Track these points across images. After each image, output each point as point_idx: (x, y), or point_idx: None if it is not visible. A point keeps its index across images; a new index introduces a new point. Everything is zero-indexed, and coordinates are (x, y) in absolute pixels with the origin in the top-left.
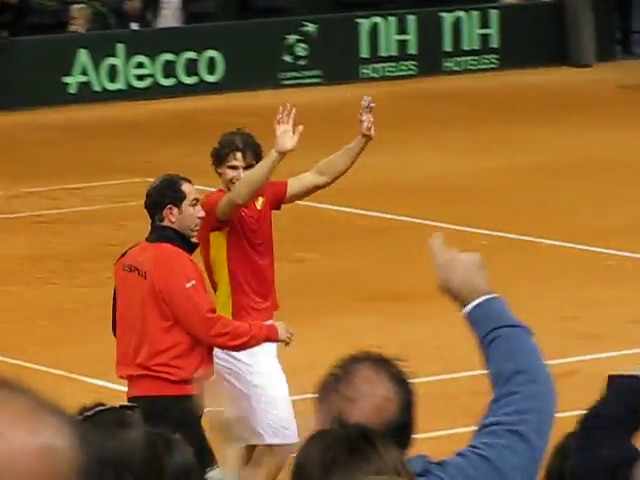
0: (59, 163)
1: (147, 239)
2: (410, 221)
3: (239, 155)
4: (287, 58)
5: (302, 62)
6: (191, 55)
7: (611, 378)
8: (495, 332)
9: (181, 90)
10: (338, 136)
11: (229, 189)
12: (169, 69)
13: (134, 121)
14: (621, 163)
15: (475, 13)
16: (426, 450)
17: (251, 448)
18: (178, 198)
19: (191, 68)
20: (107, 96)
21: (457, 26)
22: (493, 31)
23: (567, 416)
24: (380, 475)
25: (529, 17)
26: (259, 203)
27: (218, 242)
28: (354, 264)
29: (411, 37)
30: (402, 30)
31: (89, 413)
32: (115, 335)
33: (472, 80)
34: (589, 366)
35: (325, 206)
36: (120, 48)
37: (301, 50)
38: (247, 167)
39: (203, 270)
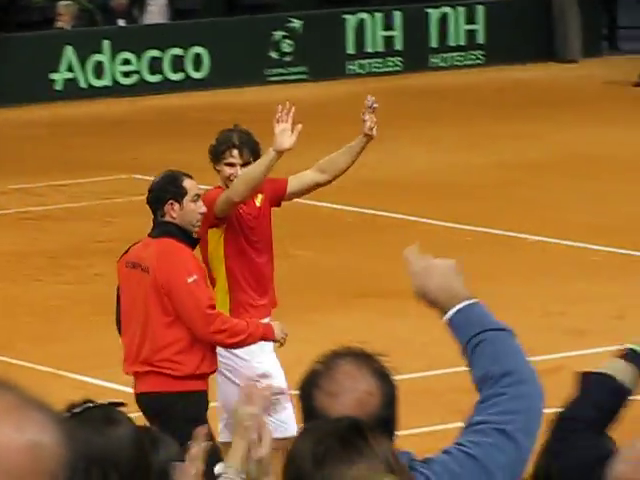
0: (45, 160)
1: (149, 235)
2: (397, 217)
3: (236, 152)
4: (273, 54)
5: (288, 58)
6: (177, 51)
7: (581, 376)
8: (479, 336)
9: (167, 87)
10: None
11: (227, 186)
12: (155, 65)
13: (120, 118)
14: (608, 159)
15: (461, 9)
16: (411, 447)
17: None
18: (179, 194)
19: (177, 64)
20: (93, 93)
21: (443, 22)
22: (479, 27)
23: (553, 412)
24: (372, 468)
25: (515, 13)
26: (258, 200)
27: (216, 239)
28: (343, 261)
29: (397, 33)
30: (388, 26)
31: (77, 410)
32: (120, 333)
33: (458, 76)
34: (575, 362)
35: (314, 203)
36: (106, 45)
37: (287, 46)
38: (244, 164)
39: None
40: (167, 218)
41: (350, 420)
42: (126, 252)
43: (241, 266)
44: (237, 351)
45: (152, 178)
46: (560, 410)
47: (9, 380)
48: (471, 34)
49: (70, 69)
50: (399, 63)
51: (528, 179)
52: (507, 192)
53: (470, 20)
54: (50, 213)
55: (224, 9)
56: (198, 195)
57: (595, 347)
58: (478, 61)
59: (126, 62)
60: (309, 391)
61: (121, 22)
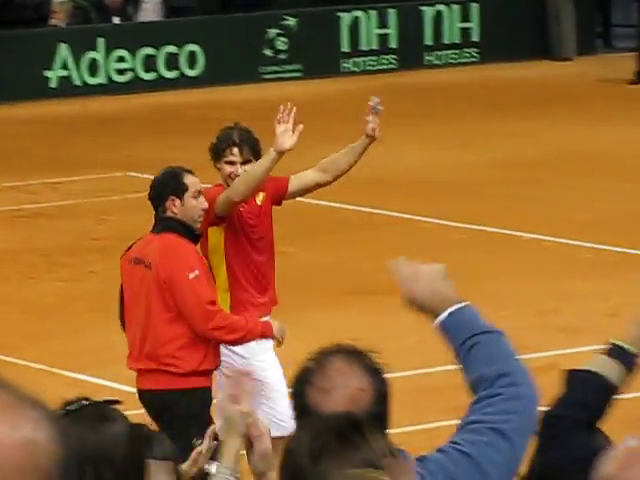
0: (39, 157)
1: (152, 231)
2: (391, 215)
3: (236, 150)
4: (268, 52)
5: (283, 56)
6: (172, 49)
7: (567, 374)
8: (473, 339)
9: (162, 84)
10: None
11: (227, 184)
12: (150, 63)
13: (115, 115)
14: (602, 156)
15: (456, 7)
16: (404, 444)
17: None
18: (180, 190)
19: (172, 62)
20: (88, 90)
21: (438, 20)
22: (474, 25)
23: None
24: (370, 463)
25: (510, 11)
26: (259, 199)
27: (216, 237)
28: (334, 258)
29: (392, 31)
30: (383, 24)
31: (72, 407)
32: (124, 329)
33: (453, 74)
34: (568, 359)
35: (307, 201)
36: (101, 42)
37: (282, 44)
38: (244, 162)
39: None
40: (169, 214)
41: (347, 416)
42: (129, 249)
43: (241, 264)
44: (237, 349)
45: (147, 176)
46: (548, 409)
47: (3, 378)
48: (466, 32)
49: (65, 67)
50: (394, 61)
51: (522, 177)
52: (501, 190)
53: (465, 18)
54: (44, 211)
55: (218, 7)
56: (199, 191)
57: (588, 345)
58: (473, 59)
59: (120, 60)
60: (301, 388)
61: (116, 20)
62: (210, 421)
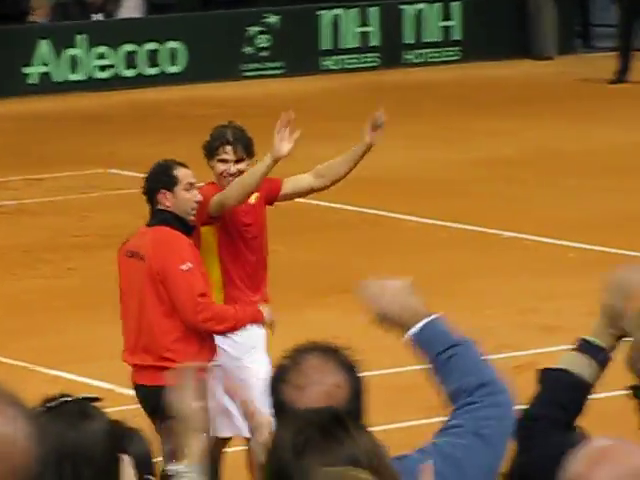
0: (20, 154)
1: (147, 224)
2: (372, 213)
3: (229, 148)
4: (249, 49)
5: (264, 53)
6: (153, 46)
7: (540, 373)
8: (447, 352)
9: (143, 81)
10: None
11: (220, 182)
12: (131, 60)
13: (95, 112)
14: (583, 155)
15: (437, 5)
16: (383, 442)
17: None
18: (171, 183)
19: (153, 59)
20: (68, 87)
21: (419, 18)
22: (455, 23)
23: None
24: (354, 459)
25: (491, 10)
26: (253, 198)
27: (209, 235)
28: (318, 256)
29: (373, 29)
30: (364, 22)
31: (52, 404)
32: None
33: (434, 72)
34: (549, 358)
35: None
36: (81, 39)
37: (263, 41)
38: (237, 161)
39: None
40: (161, 207)
41: (331, 410)
42: (125, 242)
43: (234, 263)
44: (229, 349)
45: (128, 173)
46: (523, 410)
47: None
48: (447, 30)
49: (45, 63)
50: (374, 59)
51: (503, 175)
52: (482, 188)
53: (446, 16)
54: (25, 207)
55: (200, 4)
56: (191, 183)
57: (569, 344)
58: (454, 57)
59: (101, 56)
60: (277, 385)
61: (96, 16)
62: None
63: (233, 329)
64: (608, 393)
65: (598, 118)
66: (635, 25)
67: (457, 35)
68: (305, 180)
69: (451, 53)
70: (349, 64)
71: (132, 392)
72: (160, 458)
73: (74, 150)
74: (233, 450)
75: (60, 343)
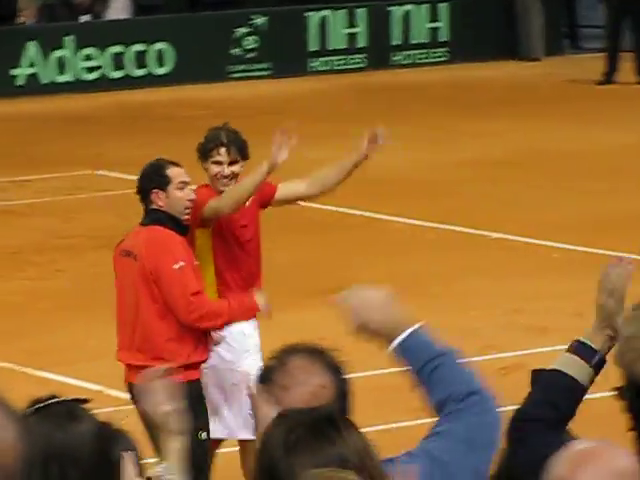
0: (8, 155)
1: (141, 223)
2: (359, 214)
3: (223, 150)
4: (236, 51)
5: (251, 55)
6: (140, 47)
7: (534, 374)
8: (433, 362)
9: (130, 82)
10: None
11: (214, 184)
12: (118, 61)
13: (83, 113)
14: (570, 157)
15: (424, 6)
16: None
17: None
18: (163, 182)
19: (140, 60)
20: (56, 88)
21: (406, 19)
22: (442, 25)
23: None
24: (345, 458)
25: (478, 11)
26: (248, 201)
27: (204, 238)
28: (304, 257)
29: (360, 30)
30: (351, 23)
31: (40, 405)
32: None
33: (421, 73)
34: (536, 359)
35: None
36: (69, 40)
37: (250, 43)
38: (231, 163)
39: None
40: (155, 207)
41: (323, 410)
42: (121, 241)
43: (230, 266)
44: (223, 352)
45: (115, 174)
46: (516, 410)
47: None
48: (434, 32)
49: (32, 65)
50: (362, 60)
51: (490, 176)
52: (469, 189)
53: (433, 18)
54: (13, 208)
55: (187, 5)
56: (184, 182)
57: (555, 344)
58: (441, 59)
59: (89, 58)
60: (263, 386)
61: (84, 18)
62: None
63: (229, 322)
64: (597, 394)
65: (586, 119)
66: (623, 25)
67: (445, 36)
68: (298, 187)
69: (439, 54)
70: (337, 65)
71: (121, 394)
72: (148, 459)
73: (62, 151)
74: (227, 451)
75: (48, 345)
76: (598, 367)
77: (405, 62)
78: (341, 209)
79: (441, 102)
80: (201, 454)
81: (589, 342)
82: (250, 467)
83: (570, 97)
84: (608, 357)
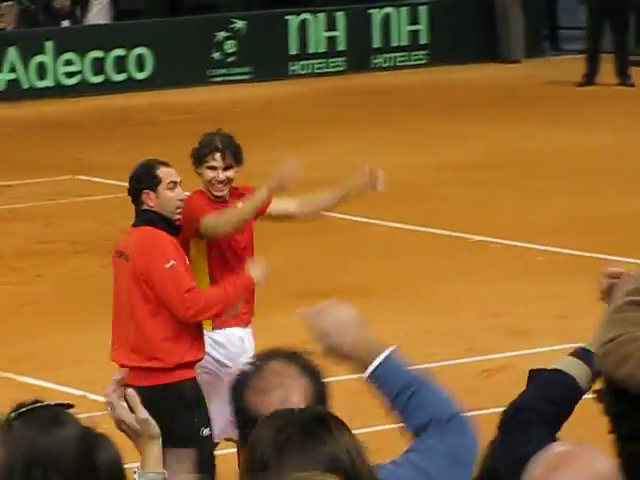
0: None
1: (132, 224)
2: (340, 218)
3: (218, 156)
4: (216, 55)
5: (231, 59)
6: (120, 52)
7: (532, 373)
8: (409, 389)
9: (110, 87)
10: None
11: (208, 189)
12: (98, 66)
13: (63, 118)
14: (551, 158)
15: (404, 9)
16: None
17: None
18: (154, 183)
19: (120, 65)
20: (36, 93)
21: (386, 22)
22: (422, 27)
23: (500, 412)
24: (336, 458)
25: (458, 13)
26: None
27: (198, 247)
28: (288, 261)
29: (340, 34)
30: (331, 27)
31: (24, 409)
32: None
33: (402, 76)
34: (520, 361)
35: None
36: (49, 45)
37: (230, 47)
38: (226, 168)
39: None
40: (146, 207)
41: (314, 410)
42: (117, 242)
43: (224, 274)
44: (219, 357)
45: (95, 179)
46: (512, 403)
47: None
48: (414, 34)
49: (12, 70)
50: (342, 64)
51: (471, 179)
52: (450, 192)
53: (413, 21)
54: None
55: (167, 10)
56: (175, 182)
57: (539, 347)
58: (421, 61)
59: (69, 63)
60: (240, 391)
61: (64, 23)
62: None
63: (229, 306)
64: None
65: (566, 121)
66: (603, 27)
67: (424, 39)
68: (289, 205)
69: (419, 57)
70: (317, 69)
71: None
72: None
73: (42, 157)
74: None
75: (30, 350)
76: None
77: (385, 65)
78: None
79: (422, 105)
80: (204, 451)
81: (592, 349)
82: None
83: (551, 99)
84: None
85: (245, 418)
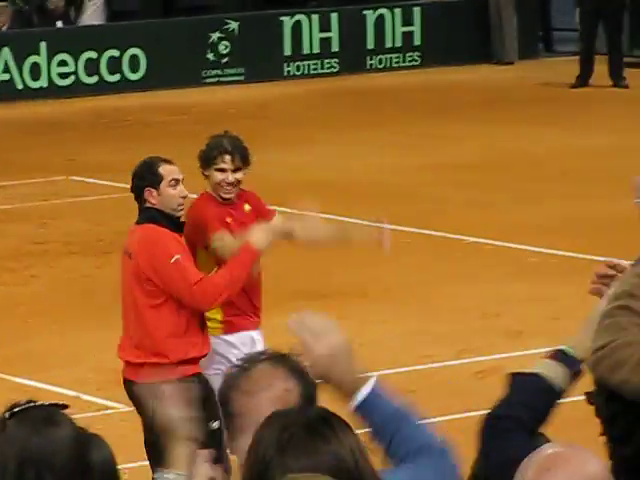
0: None
1: (135, 222)
2: (334, 219)
3: (228, 158)
4: (210, 56)
5: (225, 60)
6: (114, 53)
7: (511, 377)
8: (393, 422)
9: (104, 88)
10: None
11: (216, 191)
12: (91, 67)
13: (57, 119)
14: (544, 160)
15: (398, 10)
16: None
17: None
18: (155, 180)
19: (114, 66)
20: (29, 94)
21: (380, 23)
22: (416, 28)
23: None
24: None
25: (452, 14)
26: (247, 209)
27: (205, 256)
28: (281, 262)
29: (334, 35)
30: (325, 28)
31: (18, 409)
32: None
33: (395, 77)
34: (512, 363)
35: None
36: (43, 46)
37: (224, 48)
38: (235, 170)
39: None
40: (148, 205)
41: (318, 409)
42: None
43: None
44: (232, 357)
45: (89, 180)
46: (490, 410)
47: None
48: (408, 36)
49: (6, 70)
50: (336, 65)
51: (465, 180)
52: (444, 193)
53: (407, 22)
54: None
55: (161, 11)
56: (176, 180)
57: (532, 348)
58: (415, 62)
59: (63, 63)
60: (228, 394)
61: (58, 24)
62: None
63: (240, 284)
64: (571, 398)
65: (560, 122)
66: (597, 28)
67: (418, 40)
68: (293, 226)
69: (412, 58)
70: (311, 70)
71: (97, 399)
72: (123, 465)
73: (36, 157)
74: None
75: (24, 350)
76: (577, 376)
77: (379, 66)
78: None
79: (415, 106)
80: (214, 445)
81: (571, 351)
82: None
83: (544, 100)
84: (584, 367)
85: (234, 421)
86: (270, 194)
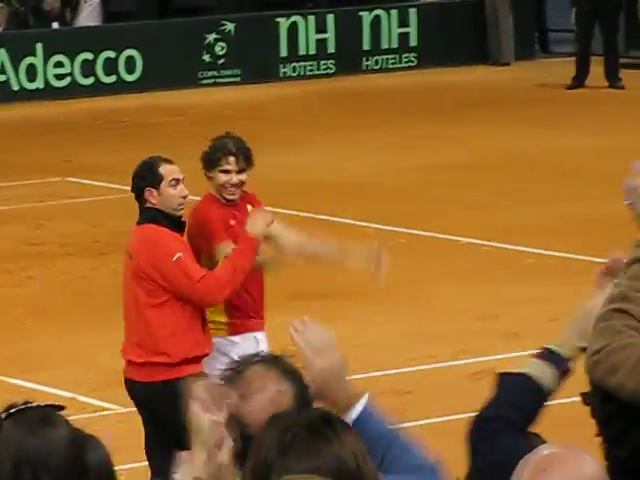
0: None
1: (137, 222)
2: (330, 220)
3: (232, 159)
4: (206, 57)
5: (221, 61)
6: (110, 54)
7: (499, 377)
8: (384, 441)
9: (100, 89)
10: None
11: (220, 193)
12: (88, 68)
13: (53, 120)
14: (541, 161)
15: (394, 12)
16: None
17: None
18: (156, 180)
19: (110, 67)
20: (26, 95)
21: (376, 25)
22: (412, 30)
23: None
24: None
25: (448, 16)
26: (250, 211)
27: (209, 263)
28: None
29: (330, 36)
30: (321, 29)
31: (14, 410)
32: None
33: (391, 79)
34: (509, 364)
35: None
36: (39, 47)
37: (220, 49)
38: (239, 171)
39: None
40: (149, 205)
41: (320, 411)
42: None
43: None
44: (233, 355)
45: (85, 181)
46: (480, 411)
47: None
48: (404, 37)
49: (3, 72)
50: (332, 66)
51: (461, 181)
52: (440, 194)
53: (403, 23)
54: None
55: (157, 12)
56: (176, 179)
57: (529, 349)
58: (411, 64)
59: (59, 65)
60: (222, 397)
61: (54, 25)
62: None
63: (243, 275)
64: (567, 399)
65: (556, 123)
66: (593, 29)
67: (414, 41)
68: (290, 235)
69: (408, 59)
70: (307, 71)
71: (94, 400)
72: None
73: (32, 158)
74: None
75: (20, 352)
76: (565, 375)
77: (375, 67)
78: (311, 215)
79: (412, 107)
80: None
81: (559, 350)
82: None
83: (540, 101)
84: (572, 365)
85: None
86: (266, 195)
